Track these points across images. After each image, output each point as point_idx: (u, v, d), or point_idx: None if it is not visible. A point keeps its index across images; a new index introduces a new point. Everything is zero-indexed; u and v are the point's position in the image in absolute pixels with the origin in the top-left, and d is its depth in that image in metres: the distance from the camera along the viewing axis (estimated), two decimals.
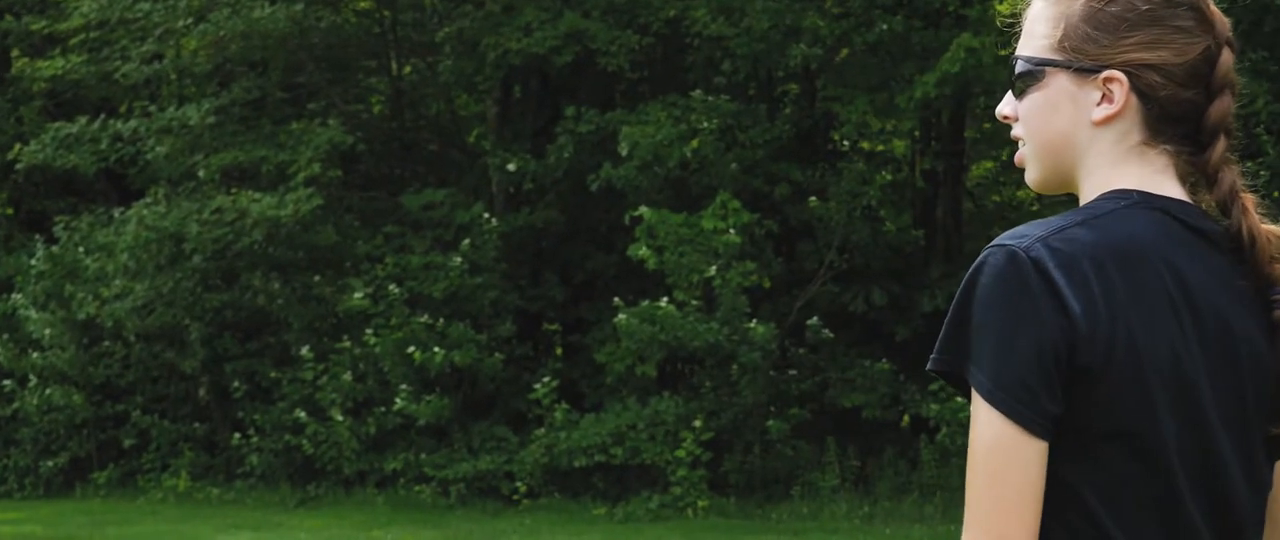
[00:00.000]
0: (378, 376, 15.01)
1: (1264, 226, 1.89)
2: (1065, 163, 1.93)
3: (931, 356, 1.85)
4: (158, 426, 15.94)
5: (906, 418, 15.55)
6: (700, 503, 13.79)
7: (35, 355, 16.01)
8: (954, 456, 13.76)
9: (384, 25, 17.21)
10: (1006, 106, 1.98)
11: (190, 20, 15.35)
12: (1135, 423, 1.78)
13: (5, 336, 16.26)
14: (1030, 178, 1.98)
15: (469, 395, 15.31)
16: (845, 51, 15.58)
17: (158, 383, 16.28)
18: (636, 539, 12.64)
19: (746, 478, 14.42)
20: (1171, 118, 1.89)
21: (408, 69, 17.71)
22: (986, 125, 16.55)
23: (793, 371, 14.91)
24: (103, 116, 15.93)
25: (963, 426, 13.44)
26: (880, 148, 17.10)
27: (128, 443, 16.03)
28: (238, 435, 15.59)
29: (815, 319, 14.80)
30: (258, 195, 14.79)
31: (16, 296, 16.23)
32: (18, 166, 16.27)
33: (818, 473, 14.24)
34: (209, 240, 14.69)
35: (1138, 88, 1.88)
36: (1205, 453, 1.82)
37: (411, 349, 14.52)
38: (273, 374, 15.53)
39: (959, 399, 13.05)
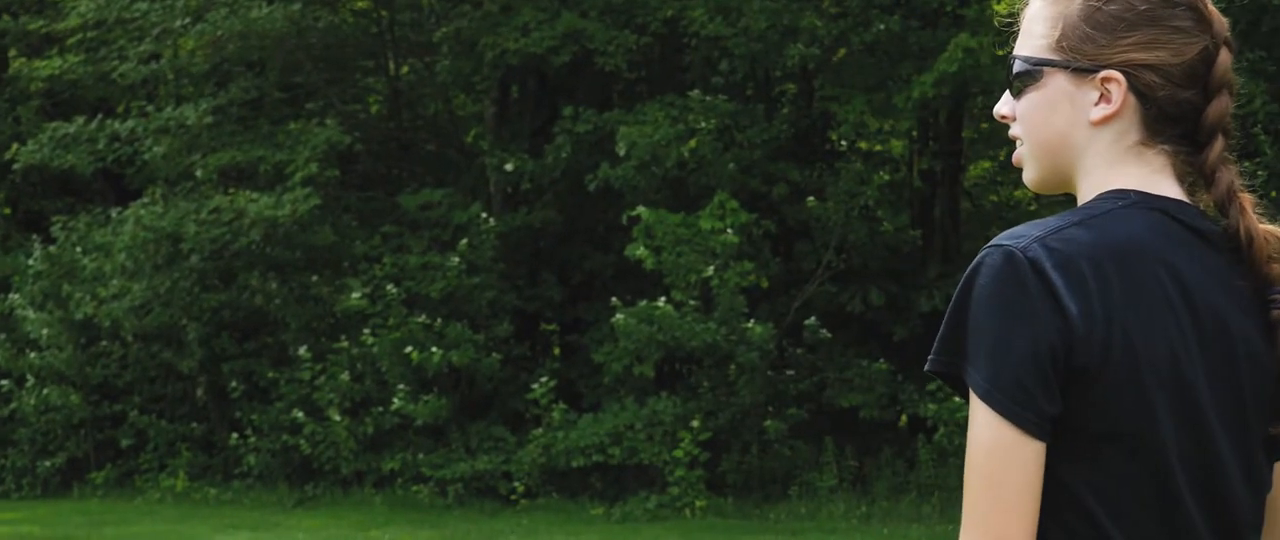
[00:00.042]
0: (375, 376, 15.01)
1: (1262, 226, 1.89)
2: (1063, 162, 1.93)
3: (929, 357, 1.84)
4: (155, 426, 15.93)
5: (904, 418, 15.55)
6: (698, 503, 13.79)
7: (32, 355, 16.01)
8: (951, 456, 13.77)
9: (382, 25, 17.20)
10: (1004, 106, 1.98)
11: (188, 20, 15.35)
12: (1133, 423, 1.78)
13: (3, 336, 16.25)
14: (1028, 177, 1.98)
15: (466, 395, 15.31)
16: (843, 51, 15.58)
17: (155, 383, 16.28)
18: (634, 539, 12.64)
19: (744, 478, 14.42)
20: (1169, 118, 1.89)
21: (405, 69, 17.71)
22: (984, 125, 16.55)
23: (790, 371, 14.91)
24: (100, 116, 15.93)
25: (960, 427, 13.45)
26: (878, 148, 17.10)
27: (125, 443, 16.02)
28: (235, 435, 15.59)
29: (813, 319, 14.80)
30: (255, 195, 14.78)
31: (14, 296, 16.22)
32: (15, 166, 16.26)
33: (815, 473, 14.24)
34: (206, 240, 14.69)
35: (1135, 88, 1.88)
36: (1204, 453, 1.82)
37: (409, 349, 14.52)
38: (270, 374, 15.53)
39: (956, 399, 13.05)
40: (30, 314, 15.83)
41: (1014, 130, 1.97)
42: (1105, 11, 1.89)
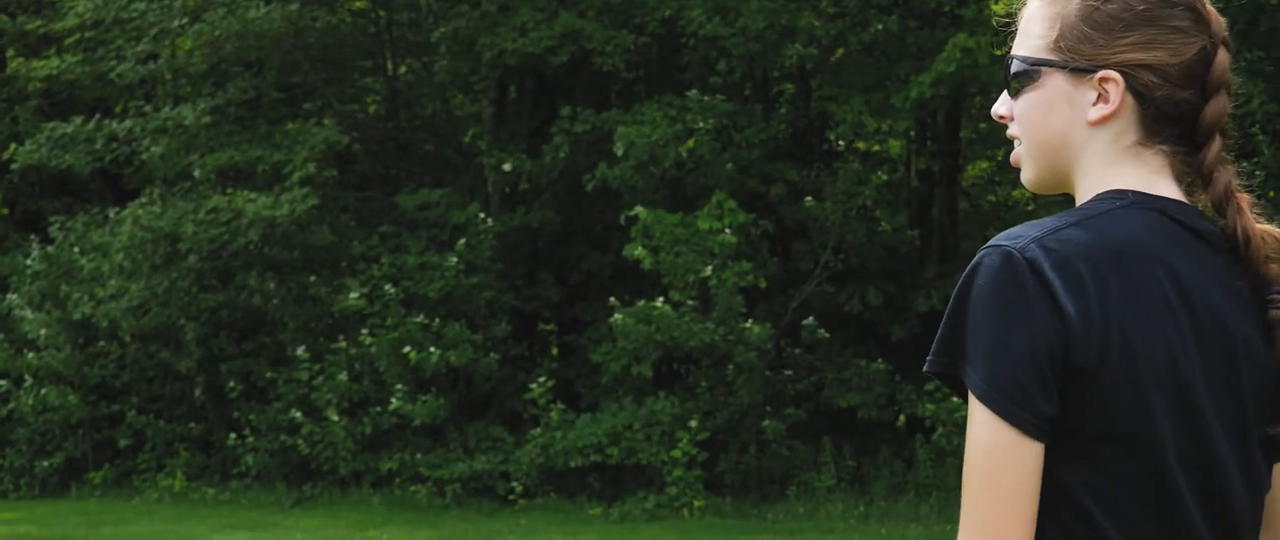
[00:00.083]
0: (373, 376, 15.01)
1: (1259, 226, 1.88)
2: (1061, 163, 1.93)
3: (928, 358, 1.84)
4: (153, 426, 15.93)
5: (902, 418, 15.56)
6: (696, 503, 13.79)
7: (30, 355, 16.00)
8: (949, 456, 13.77)
9: (380, 25, 17.20)
10: (1002, 106, 1.98)
11: (185, 20, 15.35)
12: (1131, 424, 1.78)
13: (0, 337, 16.25)
14: (1026, 177, 1.98)
15: (464, 395, 15.31)
16: (841, 51, 15.58)
17: (153, 383, 16.28)
18: (632, 539, 12.63)
19: (742, 478, 14.42)
20: (1167, 118, 1.89)
21: (403, 69, 17.71)
22: (982, 125, 16.55)
23: (788, 371, 14.91)
24: (98, 116, 15.92)
25: (958, 426, 13.45)
26: (876, 148, 17.11)
27: (123, 443, 16.02)
28: (233, 435, 15.58)
29: (811, 319, 14.80)
30: (253, 195, 14.78)
31: (12, 296, 16.21)
32: (13, 166, 16.26)
33: (813, 473, 14.24)
34: (204, 240, 14.68)
35: (1133, 88, 1.88)
36: (1202, 453, 1.82)
37: (407, 349, 14.52)
38: (268, 374, 15.52)
39: (954, 399, 13.06)
40: (28, 314, 15.82)
41: (1012, 130, 1.97)
42: (1103, 11, 1.88)
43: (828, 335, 14.81)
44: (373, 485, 14.97)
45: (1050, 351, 1.75)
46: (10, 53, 18.35)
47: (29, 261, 16.04)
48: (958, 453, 13.06)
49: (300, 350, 15.14)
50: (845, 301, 15.16)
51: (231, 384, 15.68)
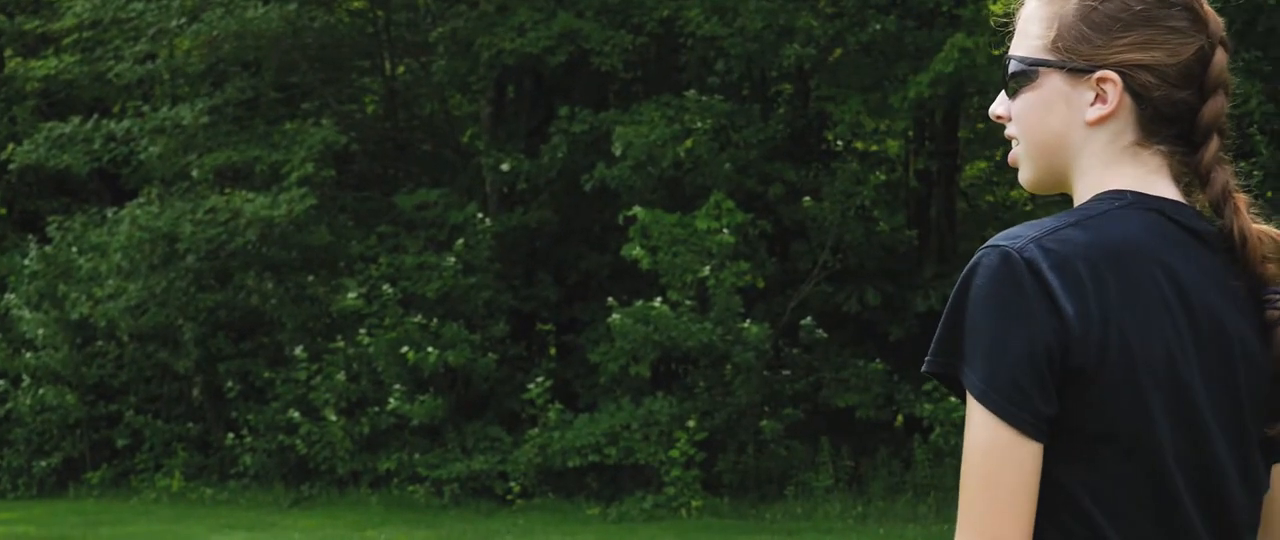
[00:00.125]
0: (371, 376, 15.01)
1: (1256, 226, 1.88)
2: (1059, 163, 1.93)
3: (926, 358, 1.84)
4: (151, 426, 15.92)
5: (900, 418, 15.56)
6: (694, 503, 13.79)
7: (28, 355, 16.00)
8: (947, 456, 13.76)
9: (378, 25, 17.20)
10: (1000, 106, 1.98)
11: (184, 20, 15.34)
12: (1129, 424, 1.78)
13: None
14: (1024, 178, 1.98)
15: (463, 395, 15.30)
16: (839, 51, 15.58)
17: (151, 383, 16.27)
18: (630, 539, 12.64)
19: (740, 478, 14.42)
20: (1165, 118, 1.89)
21: (401, 69, 17.70)
22: (980, 125, 16.56)
23: (786, 371, 14.90)
24: (96, 116, 15.92)
25: (956, 427, 13.45)
26: (874, 148, 17.11)
27: (121, 443, 16.02)
28: (231, 435, 15.58)
29: (809, 319, 14.80)
30: (251, 195, 14.78)
31: (10, 296, 16.21)
32: (11, 166, 16.26)
33: (811, 473, 14.24)
34: (202, 240, 14.68)
35: (1131, 88, 1.88)
36: (1200, 454, 1.82)
37: (405, 349, 14.52)
38: (266, 374, 15.52)
39: (952, 399, 13.06)
40: (26, 314, 15.82)
41: (1010, 130, 1.97)
42: (1101, 12, 1.88)
43: (826, 335, 14.80)
44: (371, 485, 14.96)
45: (1048, 352, 1.75)
46: (8, 52, 18.35)
47: (27, 261, 16.03)
48: (955, 453, 13.06)
49: (298, 350, 15.14)
50: (843, 301, 15.16)
51: (229, 384, 15.67)
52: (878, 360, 14.69)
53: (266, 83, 16.16)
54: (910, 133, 16.79)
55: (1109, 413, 1.78)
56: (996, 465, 1.76)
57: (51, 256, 15.83)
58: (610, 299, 14.42)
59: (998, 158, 16.95)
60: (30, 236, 16.72)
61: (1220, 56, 1.89)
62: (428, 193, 15.57)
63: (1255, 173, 12.09)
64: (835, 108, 15.03)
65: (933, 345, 1.83)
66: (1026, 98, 1.93)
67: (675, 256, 13.96)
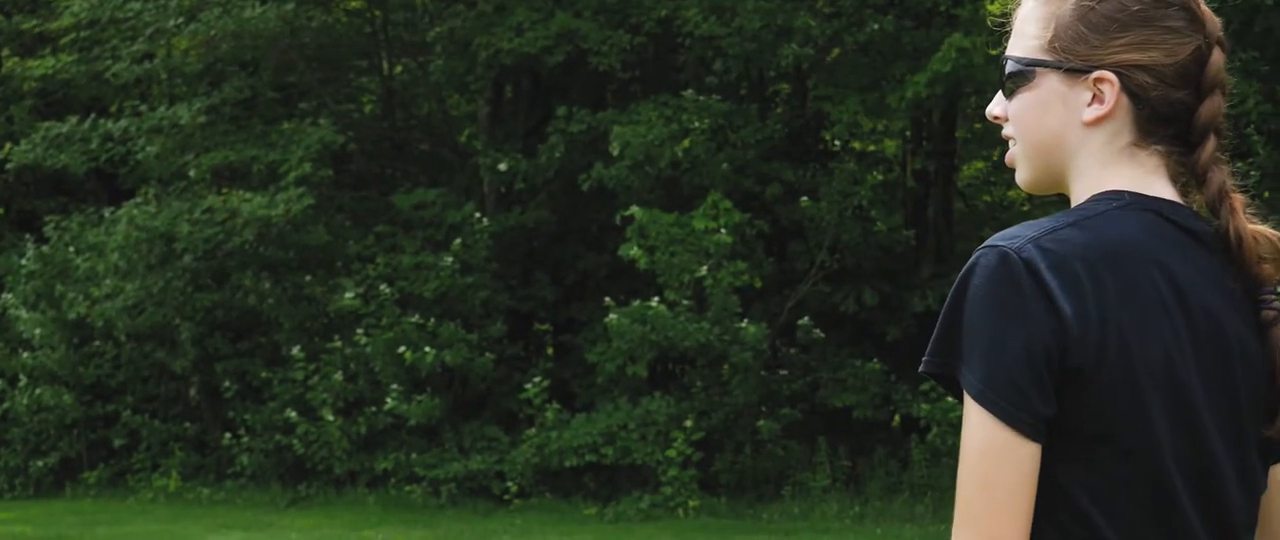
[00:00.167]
0: (369, 376, 15.00)
1: (1252, 227, 1.88)
2: (1056, 163, 1.93)
3: (923, 358, 1.84)
4: (148, 426, 15.92)
5: (897, 418, 15.56)
6: (691, 503, 13.79)
7: (25, 355, 15.99)
8: (945, 456, 13.77)
9: (375, 25, 17.19)
10: (997, 107, 1.98)
11: (181, 20, 15.33)
12: (1127, 424, 1.78)
13: None
14: (1021, 178, 1.98)
15: (460, 395, 15.30)
16: (836, 51, 15.58)
17: (148, 383, 16.26)
18: (627, 539, 12.63)
19: (737, 478, 14.42)
20: (1162, 118, 1.89)
21: (399, 69, 17.70)
22: (978, 125, 16.56)
23: (784, 371, 14.90)
24: (93, 116, 15.91)
25: (953, 427, 13.45)
26: (871, 148, 17.11)
27: (118, 443, 16.01)
28: (228, 435, 15.57)
29: (806, 319, 14.80)
30: (248, 195, 14.77)
31: (7, 296, 16.20)
32: (8, 166, 16.24)
33: (809, 473, 14.24)
34: (200, 240, 14.68)
35: (1129, 88, 1.87)
36: (1198, 454, 1.82)
37: (402, 349, 14.51)
38: (263, 374, 15.52)
39: (949, 399, 13.06)
40: (23, 314, 15.81)
41: (1007, 131, 1.97)
42: (1098, 12, 1.88)
43: (823, 335, 14.80)
44: (368, 485, 14.96)
45: (1047, 352, 1.75)
46: (5, 52, 18.34)
47: (24, 261, 16.03)
48: (953, 453, 13.06)
49: (295, 350, 15.13)
50: (841, 301, 15.16)
51: (226, 384, 15.67)
52: (875, 360, 14.69)
53: (264, 82, 16.16)
54: (908, 133, 16.79)
55: (1107, 413, 1.77)
56: (994, 465, 1.76)
57: (48, 256, 15.82)
58: (607, 299, 14.42)
59: (995, 158, 16.96)
60: (27, 236, 16.71)
61: (1217, 56, 1.89)
62: (425, 192, 15.57)
63: (1252, 173, 12.12)
64: (833, 107, 15.03)
65: (930, 345, 1.83)
66: (1023, 98, 1.93)
67: (672, 256, 13.96)
